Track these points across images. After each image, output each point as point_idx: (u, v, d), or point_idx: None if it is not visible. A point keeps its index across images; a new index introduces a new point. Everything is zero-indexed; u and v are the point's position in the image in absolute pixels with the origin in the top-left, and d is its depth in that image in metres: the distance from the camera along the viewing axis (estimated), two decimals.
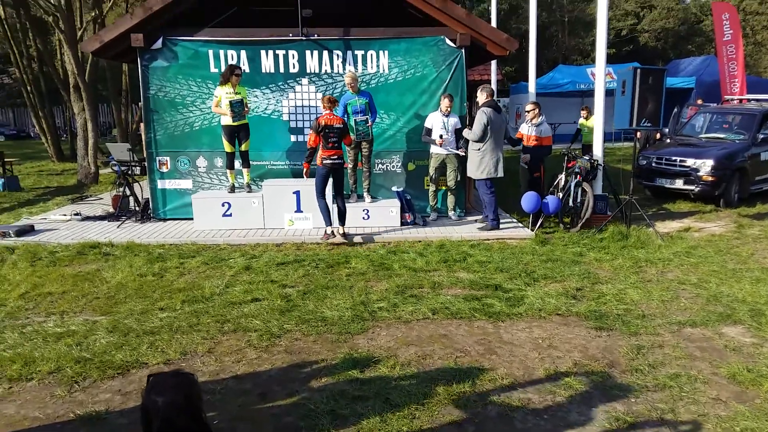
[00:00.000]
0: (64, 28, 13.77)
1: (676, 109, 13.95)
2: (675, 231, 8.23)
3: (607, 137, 8.88)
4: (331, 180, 7.46)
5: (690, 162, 9.94)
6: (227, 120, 8.08)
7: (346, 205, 7.70)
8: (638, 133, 9.21)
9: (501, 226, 8.18)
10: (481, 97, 7.95)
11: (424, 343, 4.50)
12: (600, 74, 8.44)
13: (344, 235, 7.55)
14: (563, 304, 5.29)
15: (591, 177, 8.34)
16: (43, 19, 20.95)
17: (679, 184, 10.13)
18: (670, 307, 5.26)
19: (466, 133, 8.02)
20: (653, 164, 10.44)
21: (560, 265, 6.45)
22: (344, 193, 7.73)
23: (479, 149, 7.71)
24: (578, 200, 8.23)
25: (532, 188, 8.56)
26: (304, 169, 7.64)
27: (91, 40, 8.91)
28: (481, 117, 7.63)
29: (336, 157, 7.31)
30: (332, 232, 7.51)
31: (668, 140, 11.78)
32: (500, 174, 7.93)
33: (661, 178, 10.37)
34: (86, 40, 9.55)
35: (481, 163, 7.72)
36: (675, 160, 10.15)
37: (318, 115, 7.69)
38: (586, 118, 12.26)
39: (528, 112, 8.76)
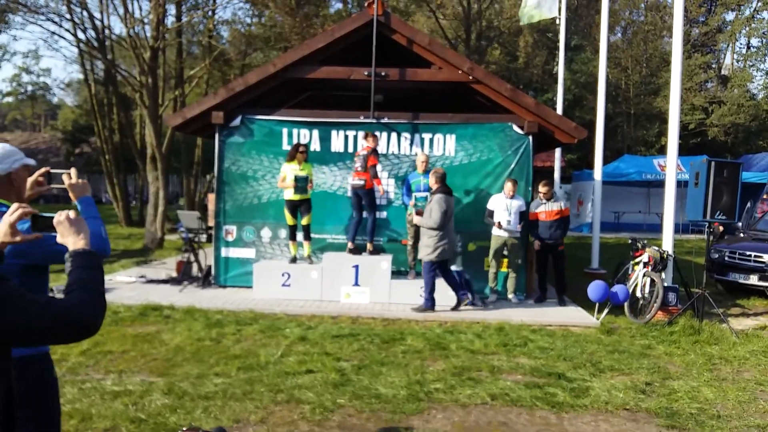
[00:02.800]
0: (148, 104, 14.77)
1: (749, 204, 13.47)
2: (750, 329, 7.74)
3: (675, 229, 8.58)
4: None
5: (766, 258, 9.47)
6: (289, 194, 8.33)
7: (403, 281, 8.27)
8: (714, 226, 8.85)
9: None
10: (431, 181, 7.82)
11: (482, 429, 4.29)
12: (671, 165, 8.30)
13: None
14: (632, 398, 4.97)
15: (660, 267, 8.02)
16: (128, 96, 22.62)
17: (753, 279, 9.62)
18: (748, 409, 4.88)
19: (418, 220, 7.81)
20: (726, 258, 9.99)
21: (627, 357, 6.12)
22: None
23: (436, 234, 7.56)
24: (646, 291, 7.90)
25: (556, 264, 8.46)
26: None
27: (174, 116, 9.51)
28: (439, 205, 7.47)
29: (357, 179, 8.29)
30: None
31: (742, 234, 11.32)
32: (449, 256, 7.83)
33: (735, 272, 9.88)
34: (170, 116, 10.20)
35: (436, 247, 7.54)
36: (749, 255, 9.69)
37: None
38: None
39: (544, 194, 8.45)
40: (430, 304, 7.72)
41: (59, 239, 1.88)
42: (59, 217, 1.88)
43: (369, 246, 8.47)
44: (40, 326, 1.60)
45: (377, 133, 8.84)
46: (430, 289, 7.73)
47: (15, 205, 1.89)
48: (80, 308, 1.67)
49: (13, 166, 2.27)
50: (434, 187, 7.72)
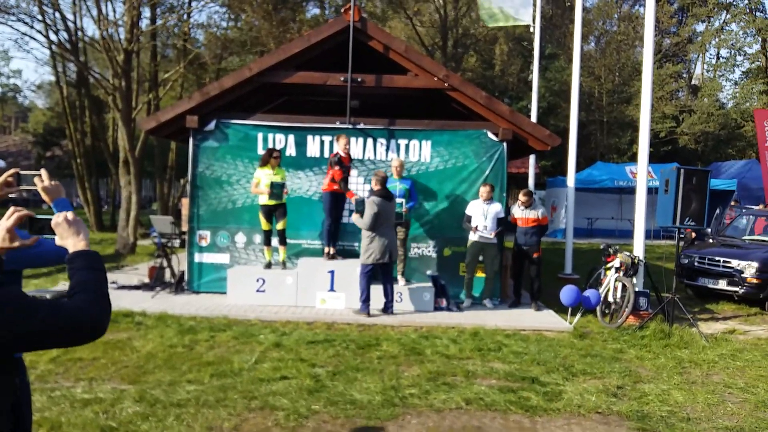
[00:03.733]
0: (121, 107, 14.57)
1: (718, 210, 13.80)
2: (719, 333, 7.90)
3: (647, 234, 8.74)
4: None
5: (734, 263, 9.67)
6: (264, 199, 8.29)
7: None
8: (686, 232, 9.04)
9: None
10: (372, 182, 7.95)
11: None
12: (642, 172, 8.45)
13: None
14: (603, 401, 5.04)
15: (632, 273, 8.15)
16: (101, 98, 22.29)
17: (722, 284, 9.81)
18: (716, 412, 4.97)
19: (355, 219, 7.93)
20: (695, 263, 10.19)
21: (600, 361, 6.20)
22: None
23: (368, 236, 7.63)
24: (618, 295, 8.01)
25: (532, 269, 8.55)
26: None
27: (148, 120, 9.39)
28: (371, 208, 7.53)
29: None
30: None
31: (711, 240, 11.56)
32: (386, 260, 7.74)
33: (704, 277, 10.08)
34: (144, 119, 10.08)
35: (368, 249, 7.61)
36: (718, 261, 9.89)
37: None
38: None
39: (523, 202, 8.56)
40: (364, 308, 7.69)
41: (58, 241, 1.84)
42: (57, 219, 1.84)
43: (327, 249, 8.49)
44: (48, 329, 1.58)
45: (352, 138, 8.86)
46: (366, 296, 7.70)
47: (12, 209, 1.84)
48: (86, 310, 1.64)
49: None
50: (374, 188, 7.75)
